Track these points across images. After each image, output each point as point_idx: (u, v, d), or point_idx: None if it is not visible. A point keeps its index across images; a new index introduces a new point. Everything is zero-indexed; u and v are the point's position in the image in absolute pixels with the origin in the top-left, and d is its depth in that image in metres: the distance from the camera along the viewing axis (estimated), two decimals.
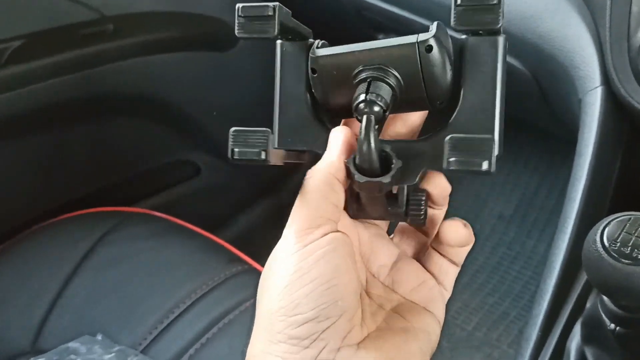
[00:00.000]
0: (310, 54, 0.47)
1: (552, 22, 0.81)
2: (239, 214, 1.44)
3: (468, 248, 0.48)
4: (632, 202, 0.79)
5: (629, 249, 0.50)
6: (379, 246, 0.49)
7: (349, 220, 0.47)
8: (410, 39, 0.44)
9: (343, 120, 0.49)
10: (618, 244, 0.50)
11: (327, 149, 0.46)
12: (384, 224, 0.50)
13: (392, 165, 0.43)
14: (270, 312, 0.42)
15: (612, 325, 0.58)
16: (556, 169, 1.51)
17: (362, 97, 0.43)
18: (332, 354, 0.41)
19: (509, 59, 0.90)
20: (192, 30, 1.22)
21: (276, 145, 0.48)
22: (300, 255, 0.42)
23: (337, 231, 0.44)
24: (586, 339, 0.65)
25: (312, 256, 0.42)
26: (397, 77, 0.44)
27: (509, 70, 0.94)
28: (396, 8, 1.00)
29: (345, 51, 0.46)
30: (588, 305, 0.68)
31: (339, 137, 0.45)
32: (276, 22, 0.44)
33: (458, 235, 0.47)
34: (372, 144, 0.42)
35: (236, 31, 0.45)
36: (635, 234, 0.50)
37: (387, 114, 0.43)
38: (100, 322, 0.88)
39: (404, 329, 0.45)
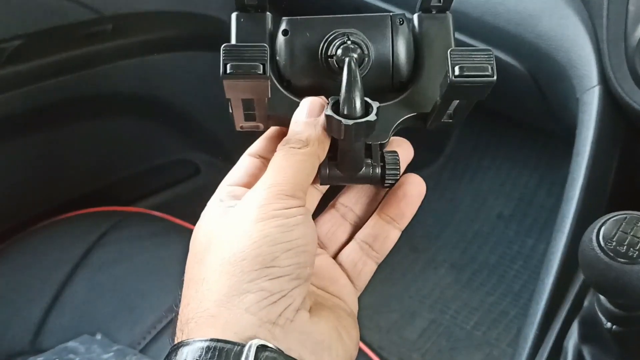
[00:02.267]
0: (283, 18, 0.47)
1: (550, 22, 0.82)
2: None
3: (395, 237, 0.50)
4: (630, 201, 0.79)
5: (624, 248, 0.50)
6: None
7: None
8: (385, 14, 0.47)
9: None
10: (614, 243, 0.50)
11: (305, 116, 0.45)
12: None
13: (370, 109, 0.42)
14: (241, 259, 0.40)
15: (609, 324, 0.58)
16: (555, 168, 1.52)
17: (343, 46, 0.44)
18: (293, 314, 0.40)
19: (506, 57, 0.91)
20: (191, 30, 1.22)
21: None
22: (282, 213, 0.41)
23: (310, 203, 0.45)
24: (583, 337, 0.66)
25: (295, 218, 0.41)
26: (368, 46, 0.46)
27: (507, 69, 0.95)
28: (395, 8, 1.00)
29: (319, 17, 0.47)
30: (585, 304, 0.68)
31: (320, 109, 0.45)
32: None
33: (419, 186, 0.49)
34: (359, 83, 0.42)
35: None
36: (631, 233, 0.50)
37: (361, 67, 0.45)
38: (100, 321, 0.88)
39: (336, 305, 0.47)
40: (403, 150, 0.49)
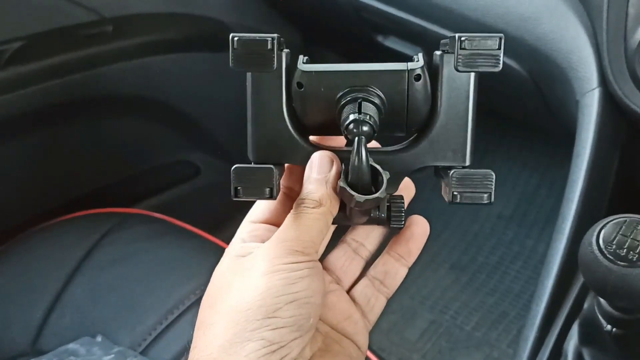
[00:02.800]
0: (298, 67, 0.47)
1: (550, 24, 0.82)
2: (239, 214, 1.44)
3: (403, 274, 0.53)
4: (630, 203, 0.80)
5: (624, 251, 0.50)
6: None
7: None
8: (401, 66, 0.46)
9: (315, 138, 0.50)
10: (614, 246, 0.50)
11: (321, 179, 0.47)
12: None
13: (381, 179, 0.44)
14: (246, 308, 0.42)
15: (609, 327, 0.58)
16: (555, 168, 1.52)
17: (353, 117, 0.44)
18: None
19: (506, 59, 0.91)
20: (191, 32, 1.22)
21: (253, 159, 0.48)
22: (290, 267, 0.43)
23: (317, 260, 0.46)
24: (583, 340, 0.66)
25: (300, 272, 0.43)
26: (383, 100, 0.46)
27: (507, 71, 0.95)
28: (394, 9, 1.00)
29: (334, 69, 0.47)
30: (585, 306, 0.68)
31: (331, 165, 0.47)
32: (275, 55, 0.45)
33: (424, 227, 0.52)
34: (364, 164, 0.43)
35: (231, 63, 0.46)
36: (631, 236, 0.50)
37: (375, 134, 0.45)
38: (100, 322, 0.88)
39: (340, 352, 0.49)
40: (407, 190, 0.52)
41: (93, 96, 1.15)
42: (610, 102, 0.76)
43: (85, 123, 1.19)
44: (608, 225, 0.52)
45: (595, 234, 0.52)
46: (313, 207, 0.46)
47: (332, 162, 0.47)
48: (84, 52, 1.10)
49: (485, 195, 0.46)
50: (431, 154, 0.48)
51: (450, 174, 0.45)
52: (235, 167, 0.46)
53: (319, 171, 0.47)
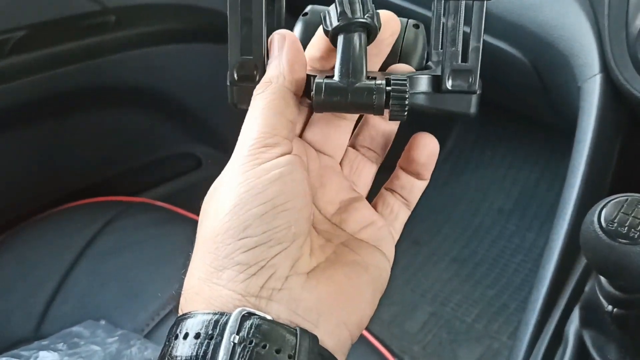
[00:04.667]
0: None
1: (552, 11, 0.82)
2: None
3: (422, 186, 0.47)
4: (631, 189, 0.80)
5: (625, 229, 0.50)
6: (329, 180, 0.46)
7: (299, 144, 0.45)
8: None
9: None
10: (615, 224, 0.51)
11: (272, 56, 0.42)
12: (337, 157, 0.47)
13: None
14: (215, 234, 0.38)
15: (610, 307, 0.58)
16: (556, 162, 1.52)
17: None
18: (280, 282, 0.38)
19: (508, 47, 0.91)
20: (193, 22, 1.23)
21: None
22: (254, 173, 0.38)
23: (293, 153, 0.41)
24: (584, 322, 0.66)
25: (268, 175, 0.38)
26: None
27: (508, 59, 0.95)
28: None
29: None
30: (586, 289, 0.68)
31: (283, 40, 0.42)
32: None
33: (429, 145, 0.46)
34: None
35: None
36: (632, 215, 0.51)
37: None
38: (103, 308, 0.88)
39: (354, 261, 0.42)
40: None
41: (95, 86, 1.15)
42: (612, 88, 0.76)
43: (87, 113, 1.20)
44: (609, 204, 0.52)
45: (597, 212, 0.52)
46: (263, 90, 0.41)
47: (284, 38, 0.42)
48: (86, 41, 1.10)
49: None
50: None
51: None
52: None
53: (272, 52, 0.42)
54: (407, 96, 0.40)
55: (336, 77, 0.41)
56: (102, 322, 0.84)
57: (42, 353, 0.79)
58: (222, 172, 0.40)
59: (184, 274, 0.41)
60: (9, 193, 1.12)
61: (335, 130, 0.46)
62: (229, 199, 0.38)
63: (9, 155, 1.11)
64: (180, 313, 0.39)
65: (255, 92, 0.41)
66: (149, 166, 1.36)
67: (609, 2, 0.75)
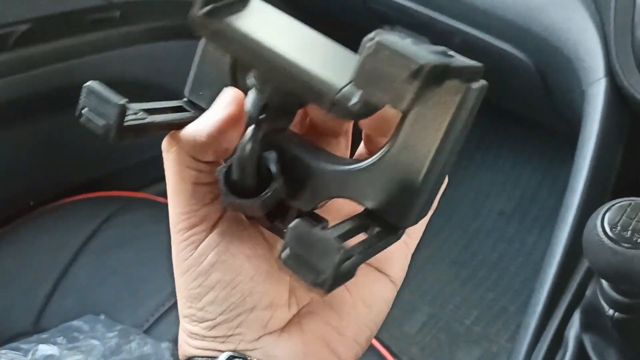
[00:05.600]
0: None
1: (557, 14, 0.82)
2: None
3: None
4: (634, 193, 0.80)
5: (629, 233, 0.50)
6: None
7: None
8: (339, 78, 0.32)
9: None
10: (618, 229, 0.51)
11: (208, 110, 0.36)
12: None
13: (271, 184, 0.35)
14: (182, 314, 0.39)
15: (611, 312, 0.58)
16: (558, 166, 1.52)
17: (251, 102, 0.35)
18: (252, 344, 0.38)
19: (513, 50, 0.91)
20: None
21: (186, 94, 0.39)
22: (191, 261, 0.38)
23: (222, 218, 0.38)
24: (585, 326, 0.66)
25: (206, 261, 0.37)
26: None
27: (513, 62, 0.95)
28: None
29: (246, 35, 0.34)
30: (587, 293, 0.68)
31: (223, 100, 0.35)
32: None
33: None
34: (246, 153, 0.34)
35: None
36: (636, 219, 0.51)
37: (285, 131, 0.36)
38: (103, 303, 0.88)
39: (339, 300, 0.40)
40: None
41: (99, 80, 1.15)
42: (616, 92, 0.76)
43: None
44: (613, 208, 0.52)
45: (600, 216, 0.52)
46: (167, 153, 0.37)
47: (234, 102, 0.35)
48: (91, 36, 1.10)
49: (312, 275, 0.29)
50: (363, 187, 0.34)
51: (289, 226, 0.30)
52: (87, 85, 0.35)
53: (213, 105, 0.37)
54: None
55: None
56: (102, 316, 0.84)
57: (41, 346, 0.79)
58: (172, 249, 0.39)
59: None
60: (11, 187, 1.12)
61: None
62: (182, 289, 0.38)
63: (11, 149, 1.11)
64: (180, 357, 0.40)
65: (163, 153, 0.37)
66: (150, 162, 1.35)
67: (615, 7, 0.75)
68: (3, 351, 0.78)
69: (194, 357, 0.39)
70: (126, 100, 0.35)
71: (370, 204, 0.34)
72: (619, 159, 0.80)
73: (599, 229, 0.51)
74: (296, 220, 0.30)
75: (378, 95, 0.28)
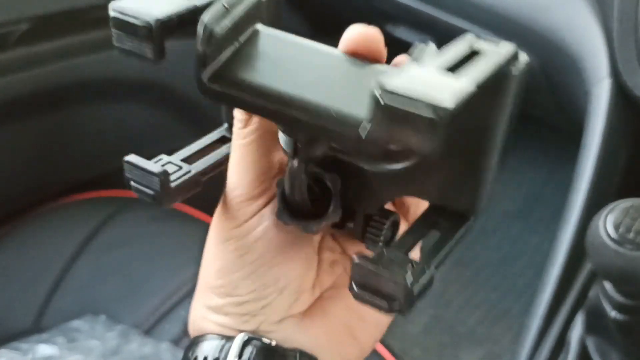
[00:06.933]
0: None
1: (561, 14, 0.81)
2: None
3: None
4: (638, 194, 0.79)
5: (632, 235, 0.50)
6: None
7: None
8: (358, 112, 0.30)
9: None
10: (622, 230, 0.50)
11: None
12: None
13: (330, 208, 0.35)
14: (208, 284, 0.39)
15: (614, 313, 0.58)
16: (563, 166, 1.51)
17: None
18: (273, 327, 0.38)
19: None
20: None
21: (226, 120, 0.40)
22: (238, 232, 0.38)
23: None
24: (588, 328, 0.65)
25: (251, 235, 0.37)
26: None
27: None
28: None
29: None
30: (590, 295, 0.68)
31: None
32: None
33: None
34: (301, 195, 0.35)
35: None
36: (639, 220, 0.50)
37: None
38: (103, 303, 0.88)
39: None
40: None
41: (101, 79, 1.15)
42: (621, 92, 0.76)
43: (91, 106, 1.19)
44: (616, 209, 0.52)
45: (603, 217, 0.51)
46: (236, 137, 0.37)
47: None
48: (93, 34, 1.10)
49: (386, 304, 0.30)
50: (423, 182, 0.34)
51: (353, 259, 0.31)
52: (127, 160, 0.37)
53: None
54: (383, 233, 0.37)
55: None
56: (102, 316, 0.84)
57: (40, 346, 0.79)
58: (214, 217, 0.40)
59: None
60: (11, 185, 1.12)
61: None
62: (218, 257, 0.39)
63: (12, 147, 1.11)
64: (191, 333, 0.41)
65: (233, 137, 0.38)
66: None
67: (619, 6, 0.74)
68: (2, 351, 0.78)
69: (208, 334, 0.39)
70: (164, 162, 0.37)
71: (434, 199, 0.34)
72: (623, 160, 0.80)
73: (602, 230, 0.51)
74: (357, 258, 0.30)
75: (403, 141, 0.25)
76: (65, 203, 1.04)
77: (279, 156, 0.38)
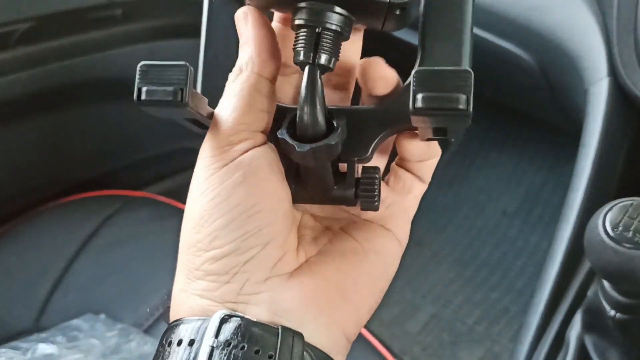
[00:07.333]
0: None
1: (561, 13, 0.82)
2: None
3: (433, 163, 0.41)
4: (637, 193, 0.79)
5: (630, 233, 0.50)
6: None
7: None
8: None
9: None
10: (620, 229, 0.50)
11: (241, 40, 0.38)
12: None
13: (336, 124, 0.36)
14: (188, 246, 0.37)
15: (613, 312, 0.58)
16: (562, 165, 1.51)
17: (302, 46, 0.35)
18: (258, 287, 0.36)
19: (516, 49, 0.90)
20: (200, 17, 1.22)
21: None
22: (216, 178, 0.36)
23: (264, 143, 0.37)
24: (586, 326, 0.66)
25: (231, 179, 0.36)
26: (348, 27, 0.36)
27: (516, 61, 0.94)
28: None
29: None
30: (589, 294, 0.68)
31: (246, 19, 0.38)
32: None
33: (417, 149, 0.39)
34: (318, 99, 0.35)
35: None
36: (637, 219, 0.51)
37: (333, 65, 0.36)
38: (103, 302, 0.88)
39: (350, 250, 0.39)
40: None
41: (101, 79, 1.15)
42: (619, 91, 0.76)
43: (92, 106, 1.19)
44: (615, 208, 0.52)
45: (602, 216, 0.52)
46: (233, 80, 0.37)
47: (246, 15, 0.38)
48: (93, 35, 1.10)
49: (462, 97, 0.31)
50: (404, 114, 0.34)
51: (412, 73, 0.32)
52: (142, 64, 0.35)
53: (239, 35, 0.38)
54: (376, 187, 0.38)
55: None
56: (102, 315, 0.84)
57: (41, 345, 0.79)
58: (194, 173, 0.38)
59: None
60: (12, 185, 1.12)
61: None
62: (194, 209, 0.37)
63: (13, 147, 1.11)
64: (170, 320, 0.39)
65: (227, 83, 0.38)
66: (152, 160, 1.35)
67: (618, 6, 0.75)
68: (2, 350, 0.78)
69: (184, 317, 0.37)
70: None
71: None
72: (622, 159, 0.80)
73: (601, 229, 0.51)
74: (417, 68, 0.32)
75: None
76: (65, 203, 1.04)
77: (265, 106, 0.37)
